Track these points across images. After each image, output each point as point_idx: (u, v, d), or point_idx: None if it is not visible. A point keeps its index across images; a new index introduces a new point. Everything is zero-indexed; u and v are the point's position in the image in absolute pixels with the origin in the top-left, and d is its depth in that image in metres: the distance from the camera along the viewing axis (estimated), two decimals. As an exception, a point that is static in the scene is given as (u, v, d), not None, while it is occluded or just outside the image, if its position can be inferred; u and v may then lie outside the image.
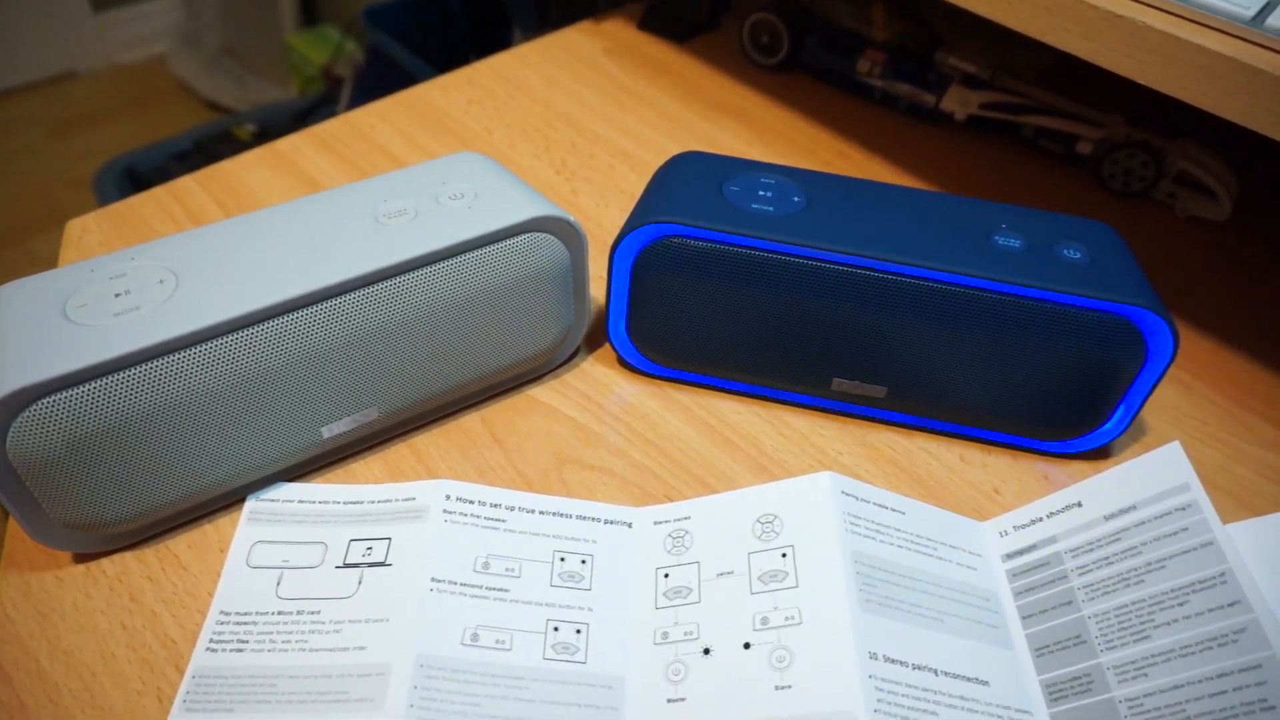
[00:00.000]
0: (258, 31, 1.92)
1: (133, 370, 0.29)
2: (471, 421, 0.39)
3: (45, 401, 0.28)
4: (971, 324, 0.35)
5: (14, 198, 1.85)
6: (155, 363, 0.30)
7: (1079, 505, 0.34)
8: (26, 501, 0.30)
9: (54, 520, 0.31)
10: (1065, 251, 0.36)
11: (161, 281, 0.32)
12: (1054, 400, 0.37)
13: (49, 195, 1.86)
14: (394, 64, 1.11)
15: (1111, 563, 0.32)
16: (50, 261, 1.70)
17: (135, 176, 1.21)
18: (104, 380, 0.29)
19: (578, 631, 0.32)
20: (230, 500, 0.35)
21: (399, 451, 0.38)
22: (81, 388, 0.28)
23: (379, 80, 1.14)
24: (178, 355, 0.30)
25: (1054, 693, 0.31)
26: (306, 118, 1.34)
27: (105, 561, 0.34)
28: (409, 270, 0.33)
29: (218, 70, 1.99)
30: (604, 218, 0.50)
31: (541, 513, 0.36)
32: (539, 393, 0.41)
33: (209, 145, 1.27)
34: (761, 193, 0.37)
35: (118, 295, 0.31)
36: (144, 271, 0.32)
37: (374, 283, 0.33)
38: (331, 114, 1.34)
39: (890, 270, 0.35)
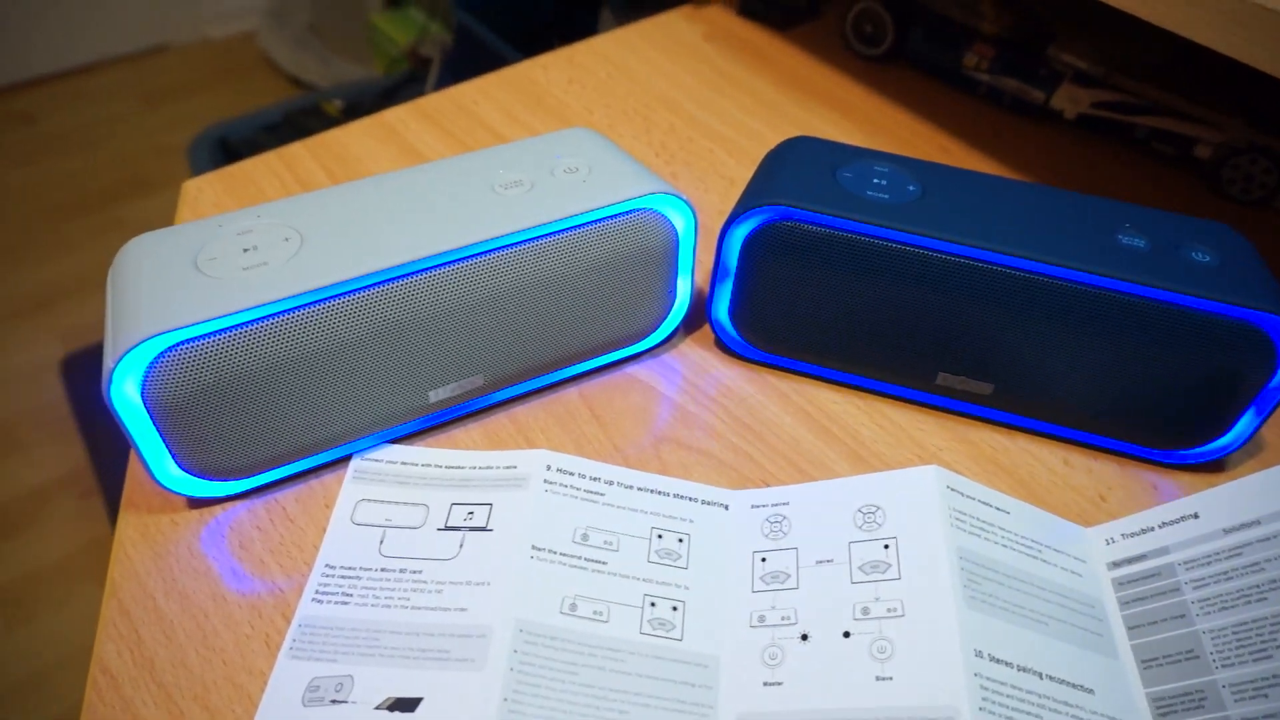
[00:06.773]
0: (344, 11, 1.95)
1: (263, 323, 0.30)
2: (570, 396, 0.39)
3: (181, 348, 0.29)
4: (1091, 323, 0.34)
5: (106, 164, 1.92)
6: (285, 316, 0.30)
7: (1195, 517, 0.33)
8: (153, 443, 0.31)
9: (176, 464, 0.32)
10: (1193, 254, 0.35)
11: (287, 239, 0.33)
12: (1171, 408, 0.36)
13: (138, 162, 1.93)
14: (483, 46, 1.12)
15: (1231, 578, 0.31)
16: (137, 227, 1.75)
17: (227, 146, 1.24)
18: (236, 331, 0.30)
19: (674, 609, 0.32)
20: (336, 458, 0.36)
21: (499, 421, 0.38)
22: (215, 337, 0.29)
23: (468, 62, 1.15)
24: (306, 310, 0.31)
25: (1162, 707, 0.30)
26: (392, 95, 1.36)
27: (217, 509, 0.35)
28: (527, 239, 0.34)
29: (303, 48, 2.04)
30: (703, 201, 0.50)
31: (640, 489, 0.36)
32: (636, 371, 0.41)
33: (298, 119, 1.30)
34: (876, 180, 0.37)
35: (246, 250, 0.32)
36: (270, 229, 0.33)
37: (494, 250, 0.33)
38: (418, 93, 1.36)
39: (1012, 265, 0.34)
